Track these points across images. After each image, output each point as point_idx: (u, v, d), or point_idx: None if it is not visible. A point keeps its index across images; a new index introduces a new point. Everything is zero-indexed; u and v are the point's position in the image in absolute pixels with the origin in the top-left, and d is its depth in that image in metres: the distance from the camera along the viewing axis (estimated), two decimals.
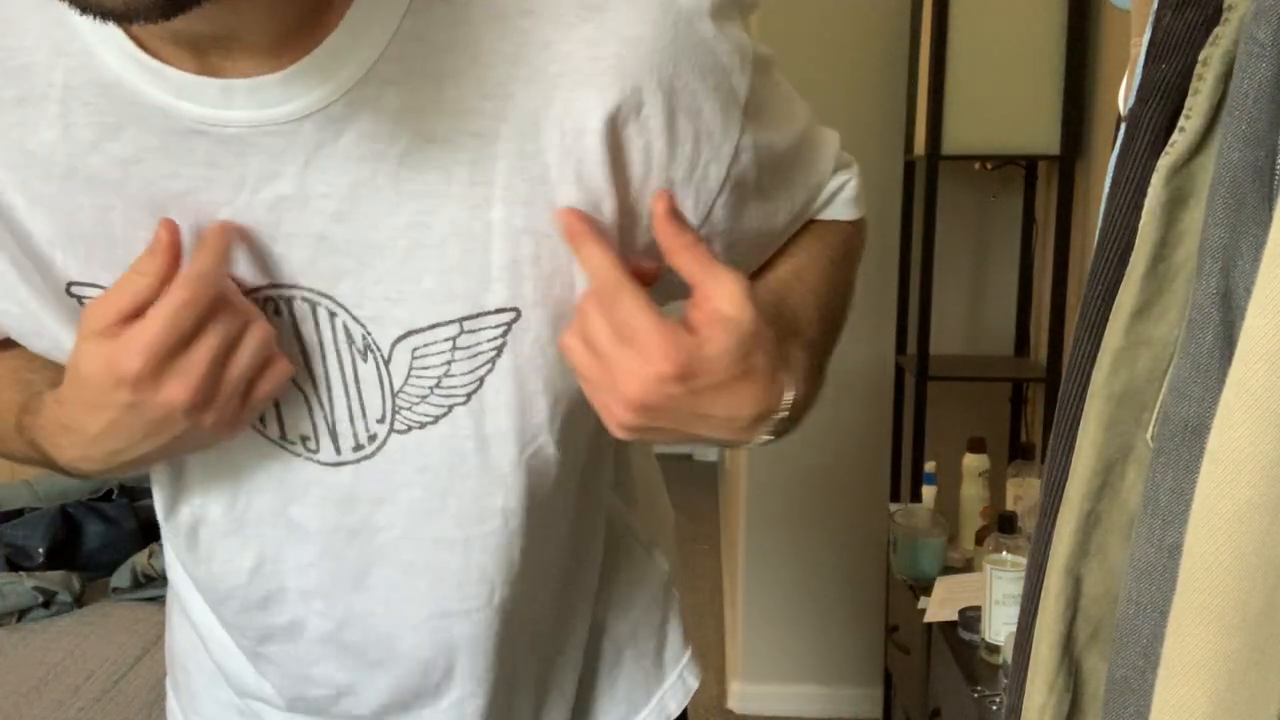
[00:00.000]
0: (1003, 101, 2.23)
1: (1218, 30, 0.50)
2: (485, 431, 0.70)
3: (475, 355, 0.67)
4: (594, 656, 0.90)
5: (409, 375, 0.68)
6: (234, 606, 0.79)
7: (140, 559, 2.24)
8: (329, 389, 0.69)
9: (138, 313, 0.61)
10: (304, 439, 0.71)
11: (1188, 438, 0.47)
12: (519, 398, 0.69)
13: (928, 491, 2.32)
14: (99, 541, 2.37)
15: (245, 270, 0.64)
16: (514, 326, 0.66)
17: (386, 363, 0.68)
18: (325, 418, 0.70)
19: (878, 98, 2.55)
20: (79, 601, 2.21)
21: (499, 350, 0.67)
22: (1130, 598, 0.50)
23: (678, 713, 0.95)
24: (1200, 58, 0.51)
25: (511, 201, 0.63)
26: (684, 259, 0.63)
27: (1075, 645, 0.56)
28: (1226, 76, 0.49)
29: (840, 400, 2.71)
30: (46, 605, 2.16)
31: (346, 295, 0.65)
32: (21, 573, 2.21)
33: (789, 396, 0.66)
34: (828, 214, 0.81)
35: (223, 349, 0.62)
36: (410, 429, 0.70)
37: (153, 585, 2.20)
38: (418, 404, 0.69)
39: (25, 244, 0.63)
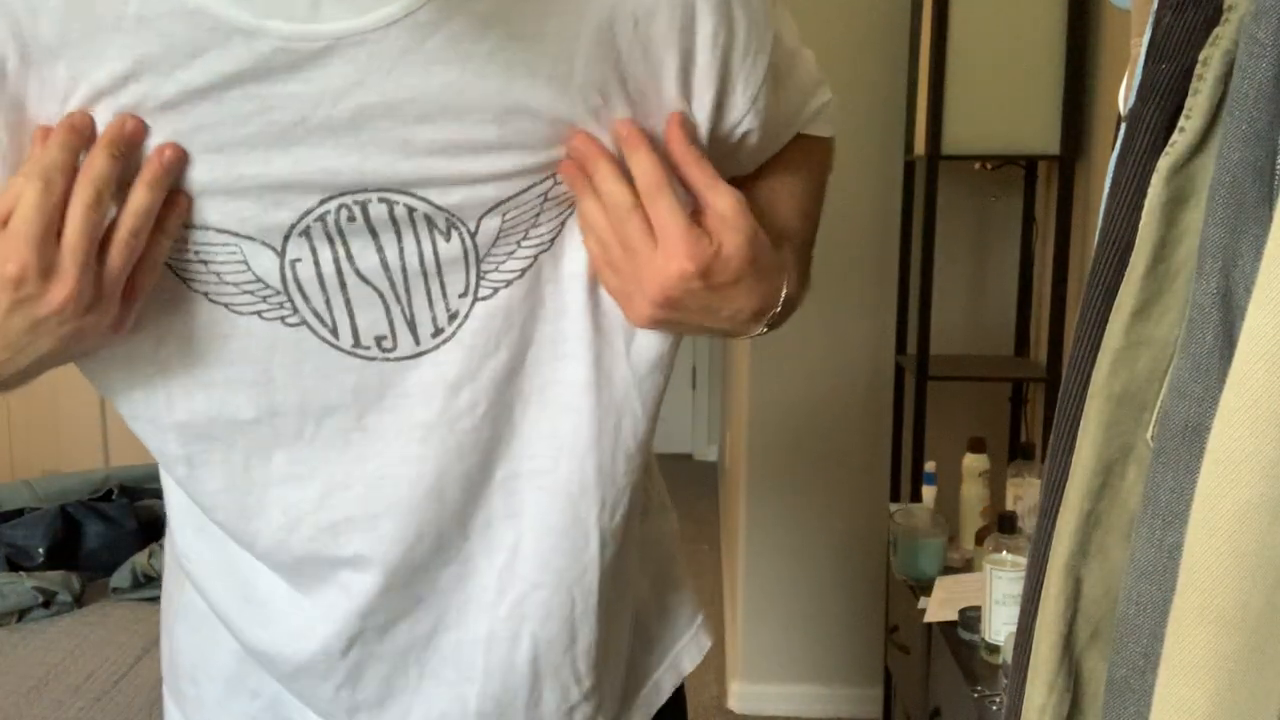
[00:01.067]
0: (1003, 101, 2.23)
1: (1218, 30, 0.50)
2: (563, 271, 0.73)
3: (561, 201, 0.71)
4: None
5: (498, 237, 0.70)
6: (304, 533, 0.76)
7: (140, 559, 2.24)
8: (406, 280, 0.69)
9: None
10: (379, 340, 0.71)
11: (1188, 438, 0.47)
12: None
13: (928, 491, 2.32)
14: (99, 541, 2.37)
15: (314, 186, 0.65)
16: None
17: (473, 234, 0.69)
18: (403, 311, 0.70)
19: (878, 98, 2.55)
20: (79, 601, 2.21)
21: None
22: (1130, 598, 0.50)
23: (689, 670, 0.95)
24: (1200, 58, 0.51)
25: (588, 88, 0.66)
26: (693, 171, 0.70)
27: (1075, 645, 0.56)
28: (1227, 76, 0.49)
29: (840, 400, 2.71)
30: (46, 605, 2.16)
31: (428, 190, 0.66)
32: (21, 573, 2.21)
33: (785, 292, 0.75)
34: (813, 129, 0.88)
35: (91, 241, 0.62)
36: (496, 291, 0.71)
37: (152, 585, 2.20)
38: (505, 261, 0.71)
39: None
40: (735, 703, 2.91)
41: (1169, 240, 0.52)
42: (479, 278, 0.71)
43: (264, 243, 0.66)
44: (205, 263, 0.67)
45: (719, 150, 0.75)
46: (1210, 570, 0.42)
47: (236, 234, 0.66)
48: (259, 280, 0.68)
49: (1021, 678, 0.58)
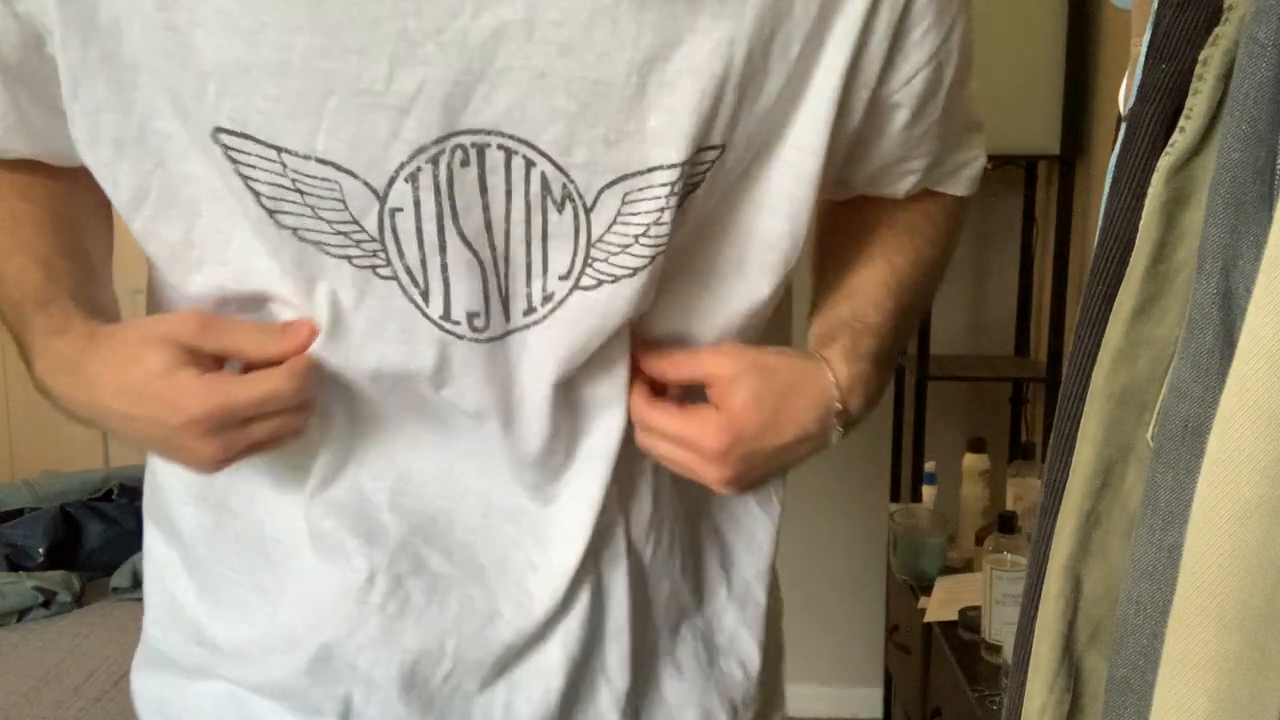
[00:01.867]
0: (1003, 101, 2.23)
1: (1218, 30, 0.50)
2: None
3: (688, 209, 0.64)
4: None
5: (614, 223, 0.63)
6: (345, 484, 0.71)
7: (141, 559, 2.24)
8: (508, 249, 0.63)
9: (224, 358, 0.64)
10: (471, 316, 0.64)
11: (1188, 438, 0.47)
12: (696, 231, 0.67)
13: (928, 491, 2.32)
14: (99, 541, 2.37)
15: (435, 115, 0.58)
16: (714, 164, 0.64)
17: (589, 210, 0.62)
18: (499, 284, 0.64)
19: None
20: (79, 601, 2.21)
21: (694, 187, 0.64)
22: (1130, 598, 0.50)
23: None
24: (1200, 57, 0.51)
25: (755, 37, 0.60)
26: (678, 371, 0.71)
27: (1075, 645, 0.56)
28: (1227, 76, 0.49)
29: None
30: (46, 605, 2.16)
31: (553, 142, 0.60)
32: (21, 573, 2.21)
33: (840, 406, 0.75)
34: (950, 186, 0.80)
35: (262, 438, 0.65)
36: (600, 283, 0.64)
37: None
38: (616, 254, 0.64)
39: (179, 74, 0.58)
40: None
41: (1169, 240, 0.52)
42: (586, 263, 0.64)
43: (366, 183, 0.60)
44: (301, 193, 0.61)
45: (869, 120, 0.69)
46: (1210, 570, 0.42)
47: (339, 167, 0.59)
48: (355, 223, 0.61)
49: (1021, 678, 0.58)
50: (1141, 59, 0.56)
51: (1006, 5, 2.22)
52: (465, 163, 0.60)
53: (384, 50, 0.57)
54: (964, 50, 0.70)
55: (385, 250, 0.62)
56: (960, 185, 0.81)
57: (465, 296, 0.64)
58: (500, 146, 0.60)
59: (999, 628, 1.73)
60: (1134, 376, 0.53)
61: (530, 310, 0.65)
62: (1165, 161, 0.52)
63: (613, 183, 0.62)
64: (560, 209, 0.62)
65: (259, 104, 0.58)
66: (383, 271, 0.63)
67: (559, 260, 0.64)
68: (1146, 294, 0.53)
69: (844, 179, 0.75)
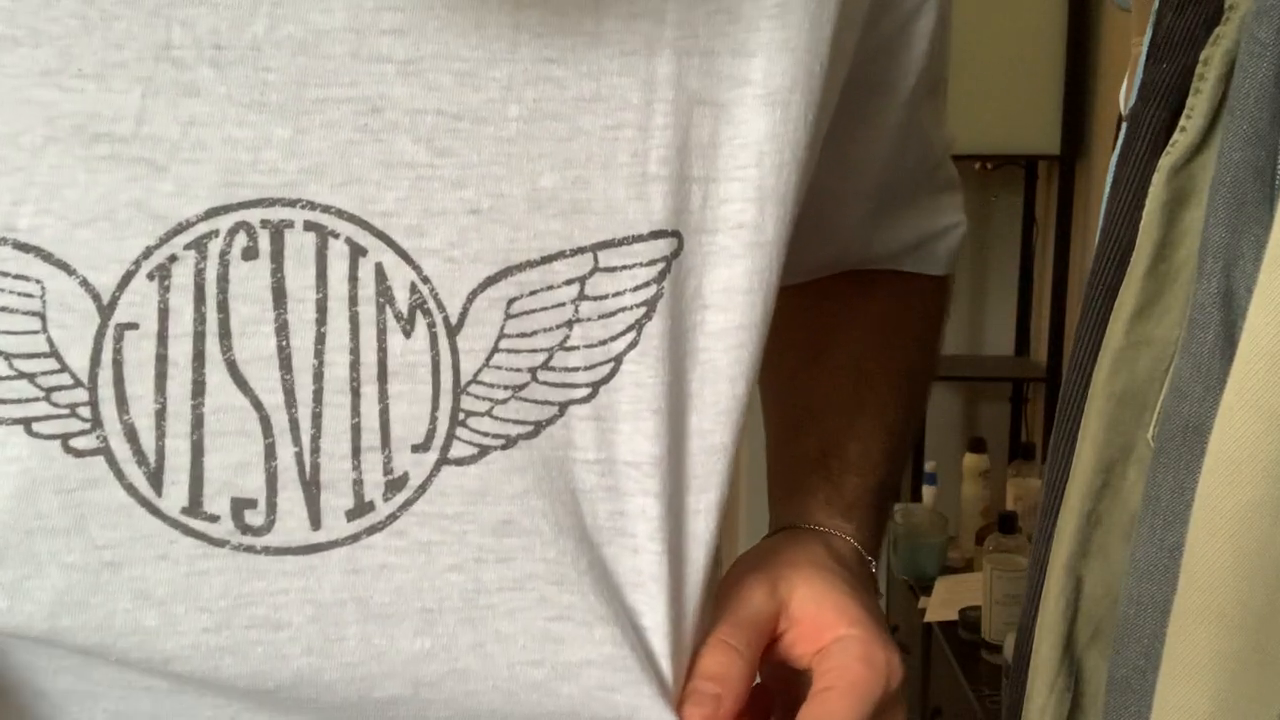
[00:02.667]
0: (1003, 101, 2.24)
1: (1219, 30, 0.50)
2: (618, 455, 0.43)
3: (614, 314, 0.42)
4: None
5: (493, 352, 0.41)
6: None
7: None
8: (318, 398, 0.40)
9: None
10: (240, 507, 0.40)
11: (1189, 437, 0.47)
12: (672, 396, 0.44)
13: (928, 491, 2.32)
14: None
15: (207, 175, 0.38)
16: (673, 265, 0.42)
17: (453, 331, 0.41)
18: (298, 458, 0.40)
19: None
20: None
21: (649, 307, 0.43)
22: (1131, 598, 0.50)
23: None
24: (1201, 57, 0.51)
25: (686, 50, 0.41)
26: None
27: (1076, 645, 0.56)
28: (1228, 76, 0.49)
29: None
30: None
31: (394, 214, 0.39)
32: None
33: (874, 567, 0.59)
34: (924, 264, 0.64)
35: None
36: (484, 452, 0.42)
37: None
38: (503, 403, 0.42)
39: None
40: None
41: (1170, 240, 0.52)
42: (454, 419, 0.41)
43: (85, 283, 0.38)
44: None
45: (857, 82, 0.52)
46: (1211, 570, 0.42)
47: (48, 256, 0.38)
48: (53, 354, 0.39)
49: (1022, 678, 0.58)
50: (1141, 59, 0.56)
51: (1006, 5, 2.22)
52: (251, 251, 0.39)
53: (134, 74, 0.37)
54: (936, 51, 0.57)
55: (95, 402, 0.39)
56: (936, 263, 0.64)
57: (231, 474, 0.40)
58: (310, 225, 0.39)
59: (999, 628, 1.73)
60: (1134, 376, 0.53)
61: (361, 510, 0.41)
62: (1166, 161, 0.52)
63: (490, 280, 0.41)
64: (408, 329, 0.40)
65: None
66: (80, 442, 0.39)
67: (409, 419, 0.41)
68: (1147, 294, 0.53)
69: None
